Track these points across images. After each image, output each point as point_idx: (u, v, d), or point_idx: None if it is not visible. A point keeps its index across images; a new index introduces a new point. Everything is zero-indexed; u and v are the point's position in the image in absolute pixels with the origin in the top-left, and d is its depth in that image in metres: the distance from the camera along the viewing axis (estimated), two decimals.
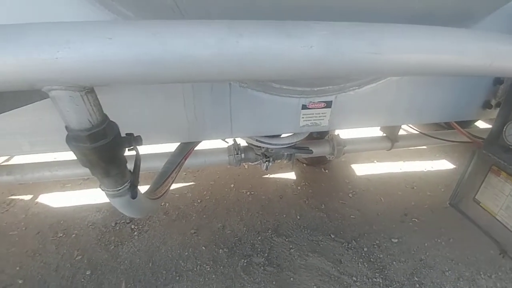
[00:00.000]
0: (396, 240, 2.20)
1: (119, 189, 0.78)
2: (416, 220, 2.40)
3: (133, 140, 0.72)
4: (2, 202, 2.50)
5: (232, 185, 2.75)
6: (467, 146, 1.97)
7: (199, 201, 2.55)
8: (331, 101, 1.26)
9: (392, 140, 2.05)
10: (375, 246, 2.15)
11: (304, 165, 3.05)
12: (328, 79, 1.12)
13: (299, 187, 2.75)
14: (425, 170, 3.07)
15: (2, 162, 2.61)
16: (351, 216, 2.42)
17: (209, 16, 0.74)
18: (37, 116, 1.03)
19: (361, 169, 3.05)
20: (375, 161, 3.19)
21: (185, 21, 0.53)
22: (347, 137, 1.99)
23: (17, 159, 2.69)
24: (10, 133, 1.09)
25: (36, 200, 2.54)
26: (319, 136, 2.17)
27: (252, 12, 0.70)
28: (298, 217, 2.39)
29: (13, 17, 0.81)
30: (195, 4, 0.69)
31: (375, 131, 2.18)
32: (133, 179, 0.74)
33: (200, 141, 1.48)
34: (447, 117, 1.60)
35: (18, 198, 2.55)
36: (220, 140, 1.55)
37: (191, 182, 2.79)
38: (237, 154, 1.75)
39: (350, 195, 2.67)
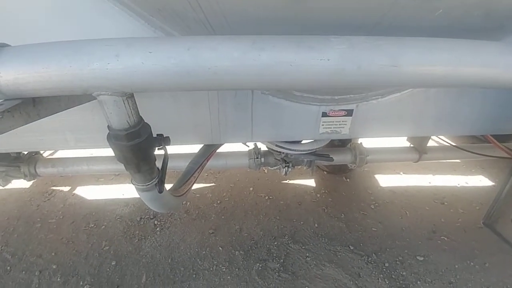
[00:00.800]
0: (421, 258, 2.10)
1: (148, 184, 0.86)
2: (446, 238, 2.27)
3: (163, 140, 0.80)
4: (44, 191, 2.75)
5: (251, 189, 2.81)
6: (508, 162, 1.85)
7: (218, 202, 2.63)
8: (352, 109, 1.26)
9: (419, 152, 1.98)
10: (397, 262, 2.07)
11: (325, 172, 3.02)
12: (349, 89, 1.14)
13: (318, 195, 2.74)
14: (458, 186, 2.89)
15: (47, 156, 2.89)
16: (373, 229, 2.35)
17: (232, 29, 0.81)
18: (83, 116, 1.16)
19: (385, 180, 2.96)
20: (401, 173, 3.08)
21: (215, 36, 0.59)
22: (371, 146, 1.96)
23: (59, 154, 2.95)
24: (60, 130, 1.24)
25: (73, 192, 2.77)
26: (341, 144, 2.16)
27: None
28: (316, 225, 2.37)
29: (76, 34, 0.95)
30: (220, 19, 0.76)
31: (402, 141, 2.10)
32: (161, 175, 0.82)
33: (222, 144, 1.55)
34: (481, 130, 1.52)
35: (58, 189, 2.80)
36: (241, 144, 1.61)
37: (212, 183, 2.89)
38: (257, 158, 1.80)
39: (372, 206, 2.60)
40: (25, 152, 1.80)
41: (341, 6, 0.70)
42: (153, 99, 1.16)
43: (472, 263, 2.06)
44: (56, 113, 0.95)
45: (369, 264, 2.05)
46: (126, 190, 2.74)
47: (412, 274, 1.99)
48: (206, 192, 2.75)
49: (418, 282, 1.93)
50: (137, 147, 0.73)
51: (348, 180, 2.96)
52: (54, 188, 2.80)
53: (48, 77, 0.59)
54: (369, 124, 1.34)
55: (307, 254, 2.11)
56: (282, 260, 2.07)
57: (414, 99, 1.32)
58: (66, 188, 2.81)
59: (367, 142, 1.95)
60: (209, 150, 1.51)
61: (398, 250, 2.16)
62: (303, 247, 2.17)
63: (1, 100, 0.65)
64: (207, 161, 1.50)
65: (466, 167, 3.19)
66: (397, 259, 2.09)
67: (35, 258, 2.10)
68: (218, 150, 1.69)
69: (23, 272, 2.00)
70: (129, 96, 0.66)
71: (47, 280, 1.95)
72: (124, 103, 0.66)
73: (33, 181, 1.89)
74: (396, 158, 2.07)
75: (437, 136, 2.10)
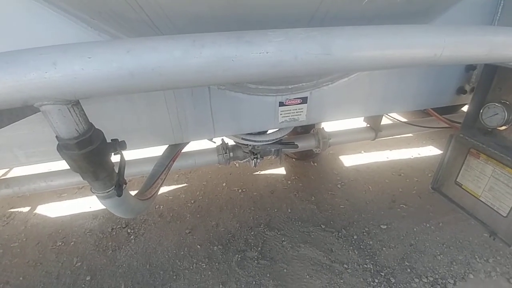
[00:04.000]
0: (385, 227, 2.29)
1: (109, 191, 0.85)
2: (404, 206, 2.49)
3: (118, 144, 0.79)
4: (2, 215, 2.54)
5: (224, 184, 2.83)
6: (451, 131, 2.05)
7: (192, 201, 2.63)
8: (307, 97, 1.34)
9: (375, 130, 2.14)
10: (364, 233, 2.24)
11: (293, 159, 3.14)
12: (297, 77, 1.20)
13: (289, 182, 2.84)
14: (412, 157, 3.18)
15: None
16: (341, 206, 2.51)
17: (177, 29, 0.82)
18: (31, 129, 1.10)
19: (349, 160, 3.16)
20: (363, 152, 3.30)
21: (155, 37, 0.61)
22: (332, 130, 2.07)
23: (14, 173, 2.73)
24: (7, 147, 1.16)
25: (34, 212, 2.59)
26: (304, 131, 2.26)
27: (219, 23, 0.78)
28: (289, 210, 2.48)
29: (8, 44, 0.89)
30: (164, 19, 0.77)
31: (360, 123, 2.26)
32: (118, 178, 0.81)
33: (187, 143, 1.55)
34: (422, 104, 1.69)
35: (17, 211, 2.59)
36: (208, 141, 1.62)
37: (184, 183, 2.86)
38: (226, 153, 1.83)
39: (339, 186, 2.77)
40: None
41: (276, 2, 0.74)
42: (108, 104, 1.13)
43: (428, 225, 2.30)
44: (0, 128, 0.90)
45: (339, 239, 2.19)
46: (93, 203, 2.62)
47: (378, 242, 2.17)
48: (179, 193, 2.72)
49: (384, 249, 2.12)
50: (90, 154, 0.72)
51: (315, 164, 3.10)
52: (12, 210, 2.60)
53: None
54: (323, 109, 1.43)
55: (283, 239, 2.21)
56: (259, 248, 2.14)
57: (361, 82, 1.43)
58: (25, 209, 2.62)
59: (328, 127, 2.06)
60: (174, 151, 1.50)
61: (364, 222, 2.34)
62: (278, 233, 2.26)
63: None
64: (173, 161, 1.49)
65: (417, 140, 3.51)
66: (364, 231, 2.27)
67: (2, 285, 1.95)
68: (185, 150, 1.68)
69: None
70: (74, 104, 0.65)
71: None
72: (70, 111, 0.65)
73: None
74: (355, 138, 2.21)
75: (388, 115, 2.28)
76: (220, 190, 2.75)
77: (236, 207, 2.53)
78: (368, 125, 2.22)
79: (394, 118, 2.36)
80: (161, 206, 2.55)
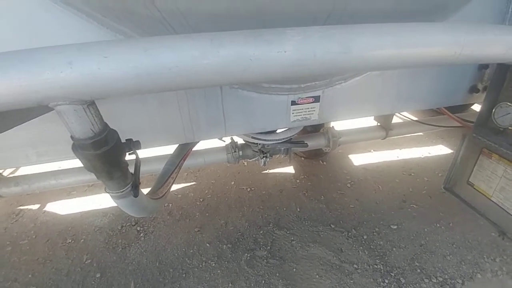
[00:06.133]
0: (395, 227, 2.26)
1: (123, 191, 0.84)
2: (415, 206, 2.45)
3: (133, 144, 0.78)
4: (11, 213, 2.57)
5: (233, 183, 2.82)
6: (463, 131, 2.01)
7: (201, 200, 2.63)
8: (319, 95, 1.32)
9: (386, 129, 2.11)
10: (374, 233, 2.21)
11: (302, 158, 3.11)
12: (312, 76, 1.18)
13: (298, 180, 2.82)
14: (422, 157, 3.12)
15: (8, 174, 2.69)
16: (350, 206, 2.49)
17: (192, 27, 0.80)
18: (42, 128, 1.10)
19: (358, 159, 3.12)
20: (372, 151, 3.25)
21: (171, 36, 0.59)
22: (342, 128, 2.04)
23: (23, 171, 2.76)
24: (19, 146, 1.16)
25: (44, 209, 2.62)
26: (314, 130, 2.24)
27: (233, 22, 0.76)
28: (298, 210, 2.46)
29: (24, 43, 0.89)
30: (179, 17, 0.76)
31: (370, 121, 2.21)
32: (134, 179, 0.81)
33: (198, 142, 1.55)
34: (434, 103, 1.65)
35: (27, 208, 2.63)
36: (217, 140, 1.62)
37: (193, 182, 2.87)
38: (235, 152, 1.82)
39: (349, 185, 2.74)
40: None
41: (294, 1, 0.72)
42: (119, 103, 1.12)
43: (438, 225, 2.27)
44: (11, 128, 0.90)
45: (349, 239, 2.17)
46: (103, 200, 2.64)
47: (388, 242, 2.14)
48: (187, 192, 2.72)
49: (394, 249, 2.09)
50: (106, 154, 0.71)
51: (324, 163, 3.07)
52: (21, 207, 2.63)
53: None
54: (335, 108, 1.41)
55: (292, 238, 2.19)
56: (269, 247, 2.13)
57: (373, 81, 1.40)
58: (35, 206, 2.65)
59: (338, 125, 2.03)
60: (184, 150, 1.50)
61: (374, 222, 2.31)
62: (288, 232, 2.25)
63: None
64: (184, 160, 1.49)
65: (428, 138, 3.45)
66: (374, 231, 2.24)
67: (10, 283, 1.97)
68: (194, 148, 1.68)
69: None
70: (90, 104, 0.64)
71: None
72: (86, 111, 0.64)
73: None
74: (366, 137, 2.18)
75: (399, 113, 2.24)
76: (229, 189, 2.75)
77: (245, 206, 2.53)
78: (379, 124, 2.19)
79: (405, 117, 2.32)
80: (170, 205, 2.55)
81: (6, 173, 2.65)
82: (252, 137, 1.59)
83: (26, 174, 1.73)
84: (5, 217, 2.53)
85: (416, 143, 3.36)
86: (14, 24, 0.89)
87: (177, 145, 1.56)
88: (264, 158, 1.81)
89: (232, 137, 1.83)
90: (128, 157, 0.84)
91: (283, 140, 1.66)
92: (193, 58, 0.57)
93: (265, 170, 2.96)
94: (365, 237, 2.19)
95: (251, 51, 0.59)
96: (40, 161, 1.22)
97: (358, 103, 1.45)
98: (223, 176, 2.92)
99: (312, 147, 1.99)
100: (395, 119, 2.11)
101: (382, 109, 1.56)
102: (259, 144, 1.69)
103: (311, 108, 1.34)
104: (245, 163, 3.05)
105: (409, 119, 2.24)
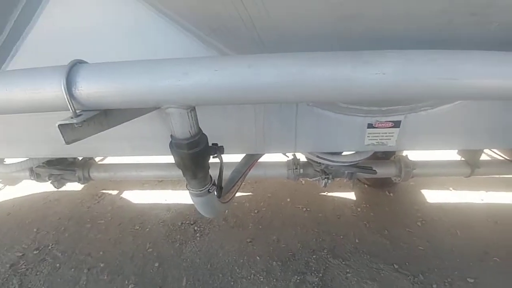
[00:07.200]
0: (472, 280, 1.93)
1: (202, 190, 0.92)
2: (498, 260, 2.07)
3: (218, 149, 0.86)
4: (95, 194, 3.02)
5: (288, 200, 2.79)
6: None
7: (256, 211, 2.66)
8: (400, 121, 1.23)
9: (472, 166, 1.85)
10: (446, 284, 1.92)
11: (366, 186, 2.90)
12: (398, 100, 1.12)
13: (359, 209, 2.64)
14: None
15: (99, 162, 3.18)
16: (419, 247, 2.20)
17: (283, 46, 0.85)
18: (138, 126, 1.27)
19: (433, 196, 2.76)
20: (451, 189, 2.85)
21: (272, 54, 0.64)
22: (418, 159, 1.86)
23: (109, 160, 3.23)
24: (118, 138, 1.36)
25: (121, 196, 3.01)
26: (384, 156, 2.08)
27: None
28: (357, 240, 2.29)
29: (142, 53, 1.06)
30: (273, 37, 0.81)
31: (452, 155, 1.97)
32: (219, 181, 0.88)
33: (264, 154, 1.59)
34: None
35: (107, 193, 3.05)
36: (280, 154, 1.63)
37: (249, 192, 2.93)
38: (296, 168, 1.81)
39: (419, 223, 2.44)
40: (80, 158, 1.99)
41: (397, 26, 0.71)
42: (203, 110, 1.24)
43: None
44: (122, 123, 1.07)
45: (415, 285, 1.91)
46: (168, 196, 2.90)
47: None
48: (243, 201, 2.80)
49: None
50: (196, 155, 0.80)
51: (391, 194, 2.81)
52: (103, 191, 3.06)
53: (125, 92, 0.67)
54: (417, 136, 1.29)
55: (348, 270, 2.04)
56: (321, 275, 2.02)
57: (467, 110, 1.25)
58: (114, 192, 3.05)
59: (413, 154, 1.85)
60: (251, 160, 1.56)
61: (447, 271, 2.00)
62: (343, 263, 2.10)
63: (79, 111, 0.72)
64: (249, 170, 1.55)
65: None
66: (446, 281, 1.93)
67: (84, 256, 2.27)
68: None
69: (72, 270, 2.15)
70: (192, 109, 0.74)
71: (95, 278, 2.09)
72: (188, 115, 0.73)
73: (84, 184, 2.05)
74: (446, 172, 1.94)
75: (490, 150, 1.93)
76: (284, 205, 2.73)
77: (298, 225, 2.46)
78: (463, 159, 1.92)
79: (497, 153, 1.99)
80: (226, 211, 2.65)
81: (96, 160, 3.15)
82: (318, 156, 1.56)
83: (114, 163, 2.03)
84: (89, 197, 2.97)
85: (505, 186, 2.83)
86: (133, 38, 1.06)
87: (244, 155, 1.63)
88: (325, 179, 1.75)
89: (294, 154, 1.82)
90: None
91: (349, 164, 1.59)
92: (293, 74, 0.60)
93: (323, 192, 2.85)
94: (434, 286, 1.90)
95: (349, 71, 0.59)
96: (133, 154, 1.41)
97: (445, 134, 1.30)
98: (279, 191, 2.91)
99: (380, 175, 1.85)
100: (483, 156, 1.83)
101: (473, 143, 1.37)
102: (323, 164, 1.65)
103: (389, 133, 1.26)
104: (303, 182, 2.99)
105: (501, 157, 1.91)
